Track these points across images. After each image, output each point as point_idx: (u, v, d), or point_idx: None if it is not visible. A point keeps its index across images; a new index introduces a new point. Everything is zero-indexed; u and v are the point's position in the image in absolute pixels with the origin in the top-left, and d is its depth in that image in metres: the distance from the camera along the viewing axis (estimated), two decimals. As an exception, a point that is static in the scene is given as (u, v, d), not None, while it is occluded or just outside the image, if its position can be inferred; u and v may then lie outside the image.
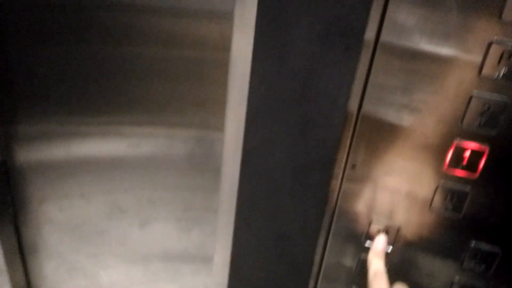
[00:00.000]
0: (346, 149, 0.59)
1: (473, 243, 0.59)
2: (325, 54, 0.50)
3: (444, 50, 0.49)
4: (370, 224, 0.63)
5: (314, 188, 0.60)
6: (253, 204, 0.65)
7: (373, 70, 0.51)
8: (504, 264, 0.58)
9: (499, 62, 0.47)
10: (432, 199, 0.58)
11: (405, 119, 0.54)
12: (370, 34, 0.49)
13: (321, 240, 0.64)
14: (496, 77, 0.48)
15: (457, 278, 0.62)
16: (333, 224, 0.64)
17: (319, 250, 0.65)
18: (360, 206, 0.62)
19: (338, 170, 0.60)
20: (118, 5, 0.57)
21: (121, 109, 0.65)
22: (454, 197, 0.57)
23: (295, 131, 0.56)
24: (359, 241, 0.63)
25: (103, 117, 0.66)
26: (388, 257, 0.61)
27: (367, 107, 0.55)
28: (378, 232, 0.63)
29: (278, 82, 0.53)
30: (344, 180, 0.61)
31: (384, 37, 0.50)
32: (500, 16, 0.45)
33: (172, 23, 0.58)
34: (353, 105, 0.54)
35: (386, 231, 0.63)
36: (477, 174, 0.55)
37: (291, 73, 0.52)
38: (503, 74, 0.48)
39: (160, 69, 0.62)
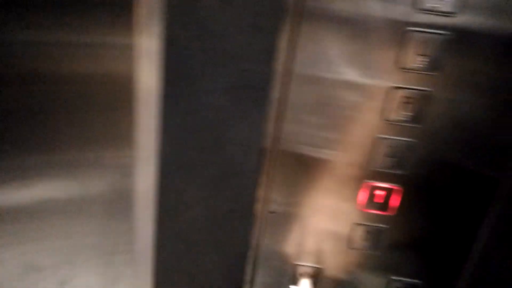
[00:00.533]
0: (265, 196, 0.57)
1: (393, 279, 0.60)
2: (233, 106, 0.48)
3: (351, 96, 0.50)
4: (293, 268, 0.61)
5: (235, 238, 0.58)
6: (172, 261, 0.61)
7: (284, 118, 0.51)
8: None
9: (400, 106, 0.49)
10: (351, 238, 0.59)
11: (320, 162, 0.54)
12: (276, 84, 0.49)
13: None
14: (399, 120, 0.50)
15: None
16: (257, 272, 0.62)
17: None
18: (283, 250, 0.61)
19: (259, 217, 0.58)
20: (16, 43, 0.50)
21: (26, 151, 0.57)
22: (371, 234, 0.58)
23: (211, 182, 0.54)
24: (284, 287, 0.62)
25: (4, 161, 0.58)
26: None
27: (282, 152, 0.54)
28: (302, 276, 0.62)
29: (189, 134, 0.51)
30: (265, 226, 0.59)
31: (293, 87, 0.49)
32: (398, 65, 0.47)
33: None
34: (267, 153, 0.53)
35: (310, 274, 0.62)
36: (391, 212, 0.56)
37: (201, 125, 0.50)
38: (405, 117, 0.49)
39: (68, 108, 0.55)
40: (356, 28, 0.45)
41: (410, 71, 0.46)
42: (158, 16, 0.45)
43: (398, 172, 0.53)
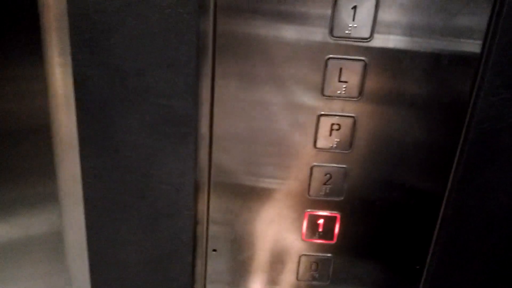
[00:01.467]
0: (204, 234, 0.55)
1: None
2: (160, 144, 0.47)
3: (278, 125, 0.49)
4: (242, 306, 0.59)
5: (175, 280, 0.55)
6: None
7: (214, 151, 0.49)
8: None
9: (330, 134, 0.48)
10: (298, 270, 0.57)
11: (257, 194, 0.52)
12: (205, 119, 0.48)
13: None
14: (330, 147, 0.49)
15: None
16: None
17: None
18: (229, 289, 0.58)
19: (201, 256, 0.56)
20: None
21: None
22: (318, 265, 0.57)
23: (144, 224, 0.51)
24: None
25: None
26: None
27: (216, 190, 0.52)
28: (252, 313, 0.60)
29: (115, 176, 0.48)
30: (208, 266, 0.57)
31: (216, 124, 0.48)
32: (322, 92, 0.46)
33: None
34: (202, 189, 0.51)
35: (260, 311, 0.59)
36: (334, 240, 0.55)
37: (124, 165, 0.48)
38: (336, 144, 0.49)
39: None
40: (276, 55, 0.44)
41: (334, 98, 0.46)
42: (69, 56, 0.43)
43: (335, 198, 0.52)
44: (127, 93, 0.44)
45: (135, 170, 0.48)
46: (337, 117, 0.48)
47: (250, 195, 0.53)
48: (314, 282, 0.57)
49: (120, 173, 0.48)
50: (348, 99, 0.46)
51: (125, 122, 0.46)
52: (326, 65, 0.45)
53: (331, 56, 0.45)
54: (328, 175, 0.51)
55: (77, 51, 0.43)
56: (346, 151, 0.49)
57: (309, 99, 0.47)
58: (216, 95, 0.47)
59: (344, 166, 0.50)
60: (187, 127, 0.45)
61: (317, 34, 0.44)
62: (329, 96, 0.46)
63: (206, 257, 0.56)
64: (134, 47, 0.42)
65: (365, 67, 0.45)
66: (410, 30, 0.44)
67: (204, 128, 0.48)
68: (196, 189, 0.50)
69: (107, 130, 0.46)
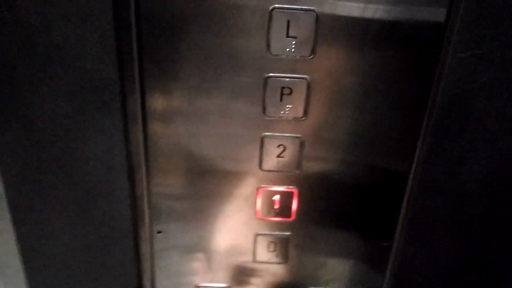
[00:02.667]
0: (146, 215, 0.49)
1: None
2: (80, 114, 0.40)
3: (222, 90, 0.42)
4: (196, 291, 0.54)
5: (117, 266, 0.49)
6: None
7: (149, 123, 0.43)
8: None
9: (280, 99, 0.42)
10: (255, 250, 0.52)
11: (203, 169, 0.46)
12: (133, 85, 0.41)
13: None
14: (281, 115, 0.43)
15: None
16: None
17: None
18: (181, 273, 0.53)
19: (145, 238, 0.50)
20: None
21: None
22: (275, 244, 0.51)
23: (74, 208, 0.45)
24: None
25: None
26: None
27: (156, 166, 0.46)
28: (207, 299, 0.55)
29: (33, 154, 0.42)
30: (155, 249, 0.51)
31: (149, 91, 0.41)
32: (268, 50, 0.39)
33: None
34: (136, 165, 0.45)
35: (215, 296, 0.54)
36: (292, 217, 0.49)
37: (45, 141, 0.41)
38: (288, 111, 0.42)
39: None
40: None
41: (282, 57, 0.39)
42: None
43: (291, 172, 0.46)
44: (36, 53, 0.37)
45: (54, 146, 0.41)
46: (287, 79, 0.41)
47: (196, 170, 0.47)
48: (275, 264, 0.52)
49: (37, 149, 0.41)
50: (299, 57, 0.40)
51: (37, 89, 0.38)
52: (270, 17, 0.38)
53: (276, 6, 0.38)
54: (281, 146, 0.45)
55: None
56: (300, 119, 0.43)
57: (255, 61, 0.40)
58: (145, 55, 0.40)
59: (298, 135, 0.44)
60: (110, 94, 0.38)
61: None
62: (276, 55, 0.40)
63: (151, 239, 0.51)
64: (36, -2, 0.35)
65: (317, 19, 0.38)
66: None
67: (134, 96, 0.41)
68: (131, 165, 0.44)
69: (17, 98, 0.39)
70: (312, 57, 0.40)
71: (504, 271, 0.49)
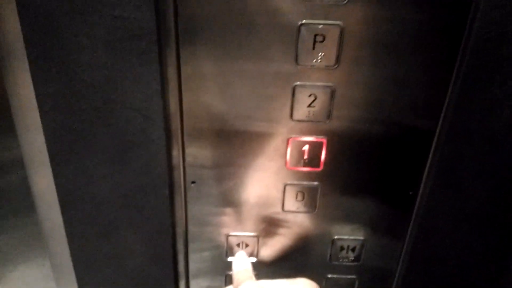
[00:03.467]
0: (181, 165, 0.51)
1: (336, 239, 0.55)
2: (118, 63, 0.41)
3: (257, 39, 0.43)
4: (227, 239, 0.56)
5: (153, 214, 0.52)
6: (90, 248, 0.55)
7: (183, 72, 0.44)
8: (371, 251, 0.56)
9: (313, 47, 0.42)
10: (283, 200, 0.53)
11: (235, 121, 0.47)
12: (168, 31, 0.41)
13: (181, 267, 0.57)
14: (313, 64, 0.43)
15: (328, 274, 0.58)
16: (189, 247, 0.56)
17: (182, 277, 0.58)
18: (212, 222, 0.55)
19: (179, 188, 0.52)
20: None
21: None
22: (304, 194, 0.53)
23: (111, 156, 0.47)
24: (221, 259, 0.57)
25: None
26: (254, 267, 0.56)
27: (190, 115, 0.47)
28: (238, 246, 0.57)
29: (73, 103, 0.43)
30: (188, 199, 0.53)
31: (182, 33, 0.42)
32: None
33: None
34: (173, 114, 0.46)
35: (246, 244, 0.57)
36: (320, 167, 0.51)
37: (85, 92, 0.42)
38: (320, 59, 0.43)
39: None
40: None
41: (316, 1, 0.39)
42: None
43: (321, 122, 0.47)
44: (74, 3, 0.38)
45: (93, 95, 0.42)
46: (320, 26, 0.41)
47: (228, 122, 0.48)
48: (303, 213, 0.54)
49: (77, 99, 0.43)
50: (333, 3, 0.40)
51: (75, 39, 0.39)
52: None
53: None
54: (312, 96, 0.46)
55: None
56: (332, 67, 0.43)
57: (289, 7, 0.40)
58: (180, 9, 0.40)
59: (330, 84, 0.45)
60: (147, 43, 0.39)
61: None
62: (310, 1, 0.40)
63: (185, 189, 0.52)
64: None
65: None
66: None
67: (170, 47, 0.42)
68: (168, 116, 0.45)
69: (56, 49, 0.40)
70: (346, 2, 0.40)
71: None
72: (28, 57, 0.42)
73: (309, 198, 0.53)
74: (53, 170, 0.48)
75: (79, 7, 0.38)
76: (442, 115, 0.46)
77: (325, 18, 0.40)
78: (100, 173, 0.48)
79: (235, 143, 0.49)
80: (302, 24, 0.41)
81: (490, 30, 0.38)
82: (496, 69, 0.41)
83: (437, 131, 0.47)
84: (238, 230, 0.56)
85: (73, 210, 0.52)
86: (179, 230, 0.55)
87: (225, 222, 0.55)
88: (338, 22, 0.41)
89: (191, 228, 0.55)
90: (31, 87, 0.42)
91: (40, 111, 0.44)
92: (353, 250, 0.57)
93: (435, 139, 0.48)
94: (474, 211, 0.50)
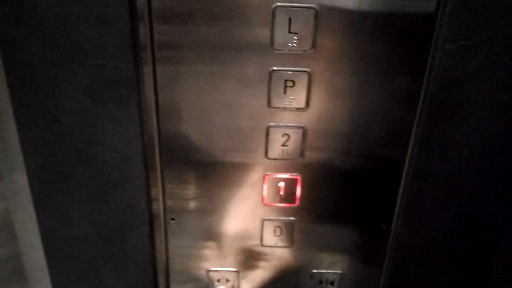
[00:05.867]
0: (160, 203, 0.52)
1: (314, 272, 0.57)
2: (99, 108, 0.43)
3: (229, 85, 0.45)
4: (207, 275, 0.57)
5: (134, 253, 0.53)
6: (71, 285, 0.55)
7: (161, 116, 0.46)
8: (349, 283, 0.57)
9: (284, 91, 0.45)
10: (262, 235, 0.55)
11: (212, 159, 0.49)
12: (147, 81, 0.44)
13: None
14: (285, 106, 0.46)
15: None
16: (170, 284, 0.57)
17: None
18: (193, 258, 0.56)
19: (159, 226, 0.53)
20: None
21: None
22: (281, 229, 0.55)
23: (92, 196, 0.48)
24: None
25: None
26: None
27: (169, 156, 0.49)
28: (218, 282, 0.58)
29: (55, 145, 0.45)
30: (168, 235, 0.54)
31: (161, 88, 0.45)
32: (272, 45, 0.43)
33: None
34: (151, 155, 0.48)
35: (226, 279, 0.58)
36: (296, 203, 0.52)
37: (67, 135, 0.44)
38: (291, 103, 0.46)
39: None
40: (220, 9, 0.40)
41: (285, 52, 0.42)
42: (-10, 14, 0.39)
43: (295, 160, 0.49)
44: (56, 52, 0.40)
45: (75, 138, 0.44)
46: (290, 72, 0.44)
47: (206, 160, 0.50)
48: (282, 248, 0.55)
49: (60, 141, 0.44)
50: (300, 52, 0.43)
51: (58, 85, 0.42)
52: (274, 15, 0.41)
53: (278, 4, 0.41)
54: (285, 136, 0.48)
55: (-2, 8, 0.39)
56: (303, 109, 0.46)
57: (260, 56, 0.43)
58: (157, 55, 0.43)
59: (301, 125, 0.47)
60: (126, 89, 0.41)
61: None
62: (280, 50, 0.43)
63: (165, 227, 0.54)
64: (58, 0, 0.38)
65: (316, 16, 0.41)
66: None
67: (148, 92, 0.44)
68: (146, 156, 0.47)
69: (39, 95, 0.42)
70: (313, 51, 0.43)
71: (495, 249, 0.52)
72: (11, 102, 0.44)
73: (287, 233, 0.55)
74: (35, 209, 0.50)
75: (60, 56, 0.41)
76: (409, 152, 0.49)
77: (295, 65, 0.43)
78: (79, 212, 0.50)
79: (213, 180, 0.51)
80: (273, 71, 0.44)
81: (445, 77, 0.41)
82: (454, 112, 0.44)
83: (405, 169, 0.49)
84: (218, 266, 0.57)
85: (55, 248, 0.53)
86: (160, 266, 0.56)
87: (205, 257, 0.57)
88: (306, 69, 0.43)
89: (172, 264, 0.56)
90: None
91: (23, 153, 0.46)
92: (332, 283, 0.58)
93: (403, 176, 0.50)
94: (441, 243, 0.52)
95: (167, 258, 0.56)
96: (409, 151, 0.48)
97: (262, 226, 0.54)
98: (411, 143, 0.48)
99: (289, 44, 0.42)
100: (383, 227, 0.54)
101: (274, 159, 0.50)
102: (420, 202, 0.50)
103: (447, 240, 0.51)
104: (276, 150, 0.49)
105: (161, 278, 0.57)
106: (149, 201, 0.50)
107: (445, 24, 0.40)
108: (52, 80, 0.42)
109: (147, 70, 0.43)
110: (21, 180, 0.50)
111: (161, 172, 0.50)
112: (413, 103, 0.45)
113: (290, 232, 0.55)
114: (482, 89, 0.43)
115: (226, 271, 0.57)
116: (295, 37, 0.42)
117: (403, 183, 0.51)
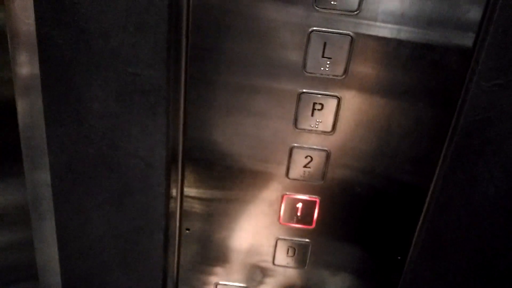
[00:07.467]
0: (177, 212, 0.52)
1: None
2: (127, 114, 0.43)
3: (258, 102, 0.45)
4: None
5: (146, 257, 0.53)
6: (81, 283, 0.55)
7: (188, 126, 0.46)
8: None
9: (312, 114, 0.45)
10: (274, 254, 0.54)
11: (233, 174, 0.49)
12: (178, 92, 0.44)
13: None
14: (311, 128, 0.46)
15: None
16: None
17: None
18: (203, 270, 0.56)
19: (174, 235, 0.53)
20: None
21: None
22: (295, 250, 0.54)
23: (113, 199, 0.49)
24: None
25: None
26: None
27: (190, 167, 0.49)
28: (225, 296, 0.58)
29: (80, 147, 0.46)
30: (182, 244, 0.54)
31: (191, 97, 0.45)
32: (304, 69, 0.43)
33: None
34: (173, 165, 0.48)
35: (234, 294, 0.57)
36: (313, 225, 0.52)
37: (93, 137, 0.45)
38: (318, 125, 0.45)
39: None
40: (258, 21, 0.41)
41: (316, 75, 0.42)
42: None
43: (315, 182, 0.49)
44: (92, 57, 0.41)
45: (100, 141, 0.45)
46: (319, 96, 0.44)
47: (226, 176, 0.50)
48: (293, 269, 0.55)
49: (85, 143, 0.45)
50: (332, 77, 0.43)
51: (90, 88, 0.42)
52: (309, 39, 0.41)
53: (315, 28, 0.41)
54: (308, 157, 0.48)
55: (40, 10, 0.40)
56: (328, 133, 0.46)
57: (291, 77, 0.43)
58: (189, 67, 0.43)
59: (325, 148, 0.47)
60: (156, 98, 0.42)
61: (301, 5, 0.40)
62: (311, 73, 0.43)
63: (179, 236, 0.54)
64: (99, 6, 0.39)
65: (352, 43, 0.41)
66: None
67: (177, 103, 0.45)
68: (169, 165, 0.47)
69: (71, 96, 0.43)
70: (344, 77, 0.43)
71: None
72: (43, 100, 0.45)
73: (300, 254, 0.54)
74: (55, 207, 0.50)
75: (96, 60, 0.41)
76: (432, 186, 0.48)
77: (324, 89, 0.43)
78: (97, 213, 0.50)
79: (231, 194, 0.51)
80: (302, 93, 0.44)
81: (478, 114, 0.41)
82: (482, 149, 0.43)
83: (427, 200, 0.49)
84: (227, 280, 0.57)
85: (70, 247, 0.53)
86: (170, 275, 0.56)
87: (215, 270, 0.56)
88: (335, 94, 0.43)
89: (181, 274, 0.56)
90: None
91: (48, 150, 0.47)
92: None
93: (425, 208, 0.49)
94: (457, 281, 0.51)
95: (178, 267, 0.56)
96: (433, 183, 0.47)
97: (275, 245, 0.54)
98: (435, 175, 0.47)
99: (321, 68, 0.42)
100: (399, 257, 0.53)
101: (295, 179, 0.49)
102: (439, 236, 0.49)
103: (464, 278, 0.50)
104: (297, 171, 0.49)
105: (170, 286, 0.56)
106: (167, 209, 0.50)
107: (481, 61, 0.39)
108: (85, 83, 0.42)
109: (178, 81, 0.43)
110: (43, 177, 0.51)
111: (182, 182, 0.50)
112: (442, 135, 0.45)
113: (303, 254, 0.54)
114: (511, 129, 0.42)
115: (235, 285, 0.57)
116: (328, 62, 0.42)
117: (423, 214, 0.50)
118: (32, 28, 0.41)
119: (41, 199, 0.53)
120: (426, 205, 0.49)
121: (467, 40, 0.40)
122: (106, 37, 0.40)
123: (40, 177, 0.50)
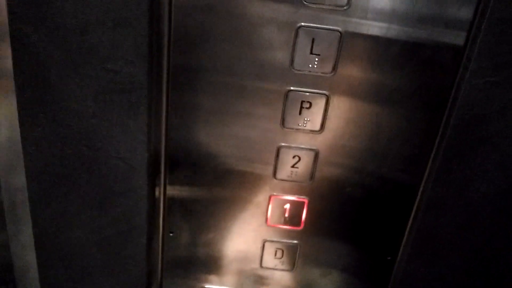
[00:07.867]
0: (161, 215, 0.50)
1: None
2: (107, 113, 0.41)
3: (244, 100, 0.44)
4: (202, 293, 0.55)
5: (129, 263, 0.51)
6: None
7: (170, 126, 0.44)
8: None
9: (299, 112, 0.43)
10: (262, 256, 0.53)
11: (218, 175, 0.47)
12: (159, 90, 0.42)
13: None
14: (299, 127, 0.44)
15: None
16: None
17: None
18: (188, 274, 0.55)
19: (157, 238, 0.51)
20: None
21: None
22: (283, 251, 0.53)
23: (91, 202, 0.47)
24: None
25: None
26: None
27: (174, 168, 0.47)
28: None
29: (58, 148, 0.43)
30: (166, 248, 0.52)
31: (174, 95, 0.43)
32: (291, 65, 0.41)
33: None
34: (156, 166, 0.46)
35: (220, 298, 0.56)
36: (301, 226, 0.51)
37: (71, 138, 0.43)
38: (306, 124, 0.44)
39: None
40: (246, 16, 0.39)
41: (305, 72, 0.41)
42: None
43: (303, 182, 0.47)
44: (68, 54, 0.39)
45: (78, 142, 0.43)
46: (308, 94, 0.42)
47: (211, 176, 0.48)
48: (281, 271, 0.54)
49: (62, 144, 0.43)
50: (320, 74, 0.41)
51: (67, 87, 0.40)
52: (297, 35, 0.39)
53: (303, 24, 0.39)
54: (296, 157, 0.46)
55: (13, 4, 0.37)
56: (317, 132, 0.44)
57: (278, 75, 0.42)
58: (172, 64, 0.41)
59: (314, 148, 0.46)
60: (137, 96, 0.40)
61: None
62: (299, 70, 0.41)
63: (162, 239, 0.52)
64: (75, 0, 0.36)
65: (341, 39, 0.40)
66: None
67: (159, 101, 0.43)
68: (151, 166, 0.46)
69: (47, 95, 0.41)
70: (333, 74, 0.41)
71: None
72: (17, 100, 0.42)
73: (288, 256, 0.53)
74: (31, 212, 0.48)
75: (73, 57, 0.39)
76: (422, 184, 0.47)
77: (313, 87, 0.42)
78: (77, 217, 0.48)
79: (217, 196, 0.50)
80: (290, 91, 0.42)
81: (469, 111, 0.40)
82: (474, 147, 0.42)
83: (417, 199, 0.48)
84: (213, 284, 0.55)
85: (48, 253, 0.51)
86: (154, 280, 0.54)
87: (201, 274, 0.55)
88: (324, 91, 0.42)
89: (166, 278, 0.55)
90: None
91: (24, 153, 0.44)
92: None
93: (415, 207, 0.48)
94: (449, 281, 0.50)
95: (162, 271, 0.54)
96: (423, 183, 0.46)
97: (263, 247, 0.52)
98: (426, 174, 0.46)
99: (310, 65, 0.41)
100: (388, 258, 0.52)
101: (282, 180, 0.48)
102: (430, 235, 0.49)
103: (456, 278, 0.49)
104: (285, 171, 0.47)
105: (154, 290, 0.55)
106: (150, 212, 0.48)
107: (474, 58, 0.38)
108: (62, 81, 0.40)
109: (160, 78, 0.42)
110: (19, 180, 0.48)
111: (165, 184, 0.48)
112: (432, 134, 0.44)
113: (292, 256, 0.53)
114: (505, 126, 0.41)
115: (222, 290, 0.55)
116: (316, 59, 0.40)
117: (414, 214, 0.49)
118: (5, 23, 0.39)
119: (19, 203, 0.51)
120: (416, 204, 0.48)
121: (459, 37, 0.39)
122: (84, 33, 0.38)
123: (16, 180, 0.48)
